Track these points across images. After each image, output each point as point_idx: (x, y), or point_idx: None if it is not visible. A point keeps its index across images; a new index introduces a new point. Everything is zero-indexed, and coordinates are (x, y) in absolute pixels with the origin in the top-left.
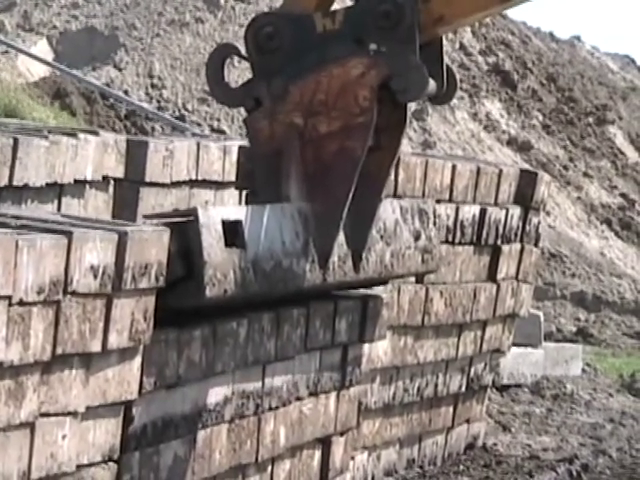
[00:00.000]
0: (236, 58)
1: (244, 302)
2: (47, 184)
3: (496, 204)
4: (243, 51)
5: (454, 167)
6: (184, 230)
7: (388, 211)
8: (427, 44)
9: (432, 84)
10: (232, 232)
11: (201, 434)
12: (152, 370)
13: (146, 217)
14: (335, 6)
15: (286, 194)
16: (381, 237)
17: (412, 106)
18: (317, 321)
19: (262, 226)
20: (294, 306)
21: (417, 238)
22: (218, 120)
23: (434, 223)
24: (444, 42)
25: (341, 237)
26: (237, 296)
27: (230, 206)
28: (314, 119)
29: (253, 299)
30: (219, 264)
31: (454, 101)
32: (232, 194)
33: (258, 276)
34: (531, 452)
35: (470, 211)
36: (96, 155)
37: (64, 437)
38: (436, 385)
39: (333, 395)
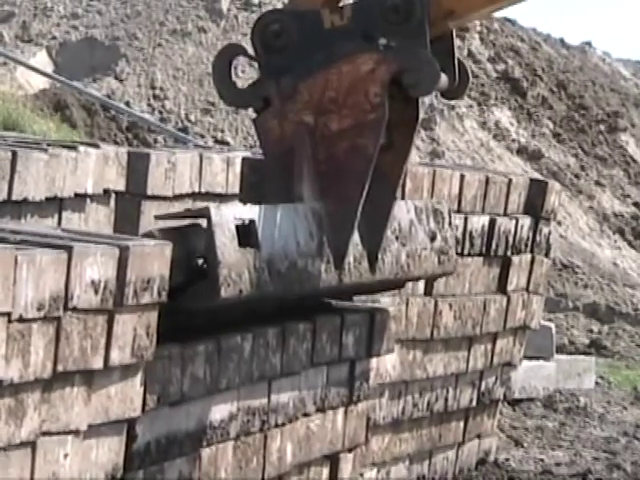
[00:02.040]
0: (240, 67)
1: (259, 303)
2: (47, 198)
3: (506, 214)
4: (250, 52)
5: (462, 177)
6: (196, 231)
7: (403, 211)
8: (438, 38)
9: (444, 78)
10: (245, 232)
11: (206, 452)
12: (155, 387)
13: (158, 218)
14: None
15: (299, 194)
16: (396, 238)
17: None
18: (324, 335)
19: (275, 226)
20: (300, 320)
21: (433, 239)
22: (222, 131)
23: (449, 224)
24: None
25: (356, 237)
26: (252, 297)
27: (242, 206)
28: (325, 117)
29: (268, 300)
30: (233, 264)
31: (462, 109)
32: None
33: (273, 276)
34: (544, 467)
35: (479, 222)
36: (97, 168)
37: (66, 456)
38: (446, 399)
39: (341, 411)
